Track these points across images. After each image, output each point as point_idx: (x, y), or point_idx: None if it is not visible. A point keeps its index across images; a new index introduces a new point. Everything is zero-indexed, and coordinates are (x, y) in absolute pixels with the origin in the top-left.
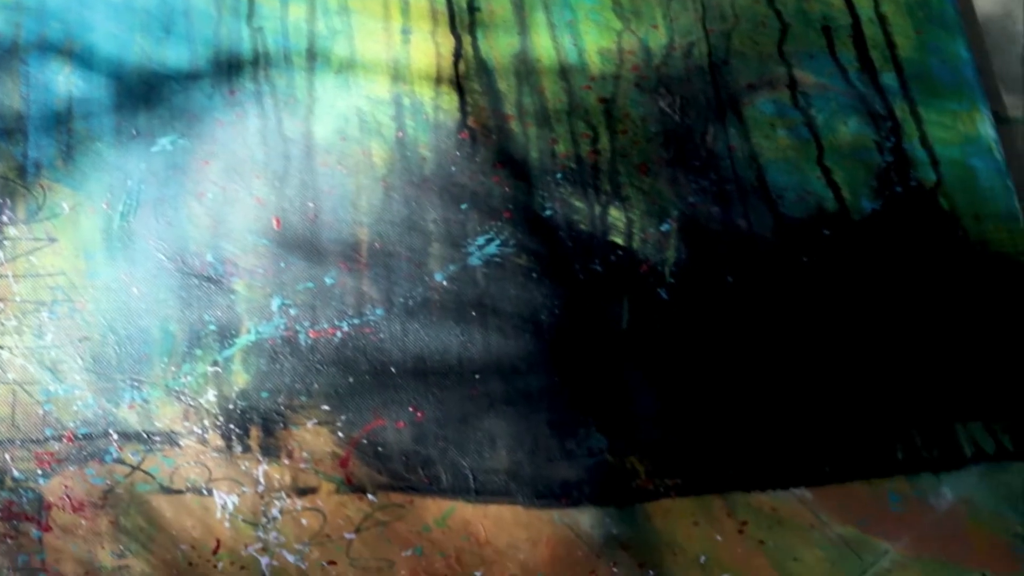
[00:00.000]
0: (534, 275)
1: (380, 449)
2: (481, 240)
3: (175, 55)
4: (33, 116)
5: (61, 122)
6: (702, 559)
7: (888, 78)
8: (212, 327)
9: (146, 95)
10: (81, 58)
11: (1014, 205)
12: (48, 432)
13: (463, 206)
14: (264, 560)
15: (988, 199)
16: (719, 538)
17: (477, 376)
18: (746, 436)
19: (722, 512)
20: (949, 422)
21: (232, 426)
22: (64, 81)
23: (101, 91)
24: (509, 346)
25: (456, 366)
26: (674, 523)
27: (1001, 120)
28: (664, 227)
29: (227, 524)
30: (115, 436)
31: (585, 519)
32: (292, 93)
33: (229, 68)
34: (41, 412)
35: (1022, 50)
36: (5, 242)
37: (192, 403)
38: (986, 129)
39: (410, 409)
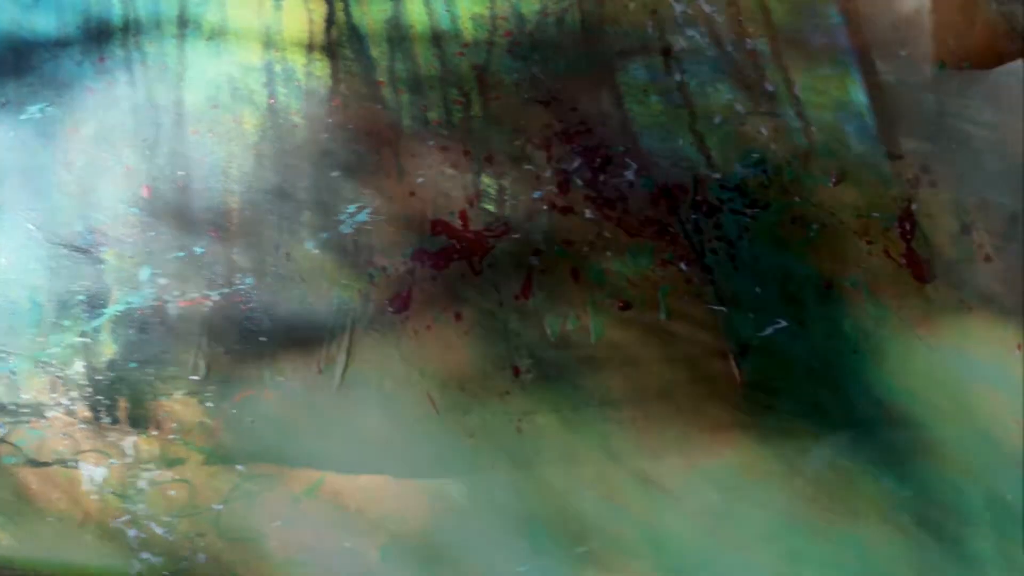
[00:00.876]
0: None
1: (250, 419)
2: (352, 208)
3: (44, 22)
4: None
5: None
6: None
7: (761, 43)
8: (80, 297)
9: (15, 63)
10: None
11: (885, 170)
12: None
13: (335, 174)
14: (132, 532)
15: (859, 164)
16: None
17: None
18: None
19: None
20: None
21: (100, 397)
22: None
23: None
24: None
25: (327, 335)
26: None
27: (874, 85)
28: (536, 194)
29: (94, 496)
30: None
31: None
32: (163, 60)
33: (99, 35)
34: None
35: (895, 15)
36: None
37: (60, 374)
38: (858, 94)
39: (280, 379)
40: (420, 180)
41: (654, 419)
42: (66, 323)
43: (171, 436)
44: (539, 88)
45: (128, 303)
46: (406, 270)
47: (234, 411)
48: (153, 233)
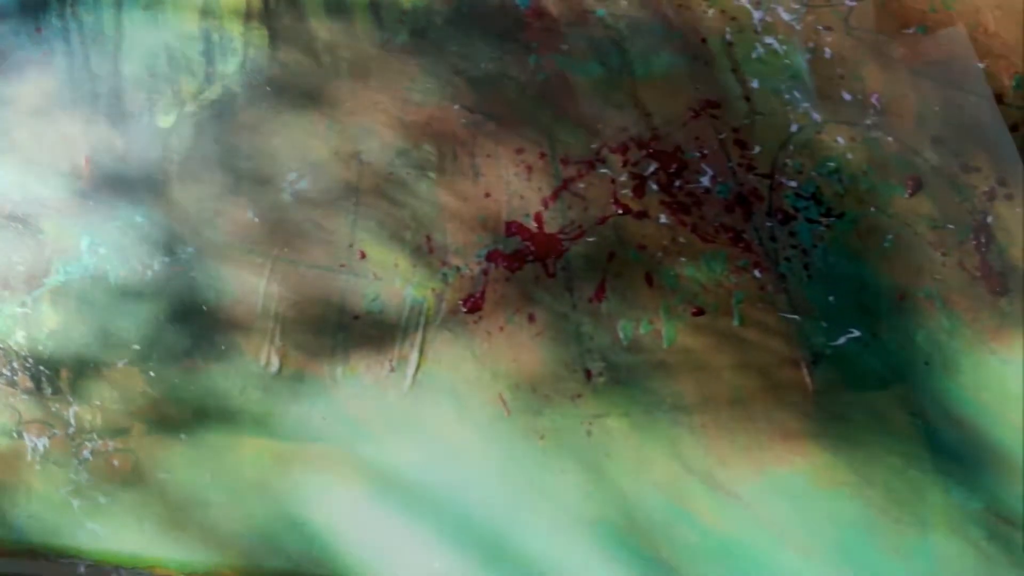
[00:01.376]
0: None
1: (191, 388)
2: (293, 175)
3: None
4: None
5: None
6: None
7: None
8: (20, 268)
9: None
10: None
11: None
12: None
13: (275, 143)
14: (76, 502)
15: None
16: None
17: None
18: None
19: None
20: None
21: (42, 368)
22: None
23: None
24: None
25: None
26: None
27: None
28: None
29: (38, 467)
30: None
31: None
32: (100, 30)
33: (36, 5)
34: None
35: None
36: None
37: (1, 345)
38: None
39: (222, 348)
40: (494, 181)
41: (725, 425)
42: (6, 294)
43: (114, 406)
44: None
45: (68, 273)
46: (480, 270)
47: (176, 380)
48: (92, 203)
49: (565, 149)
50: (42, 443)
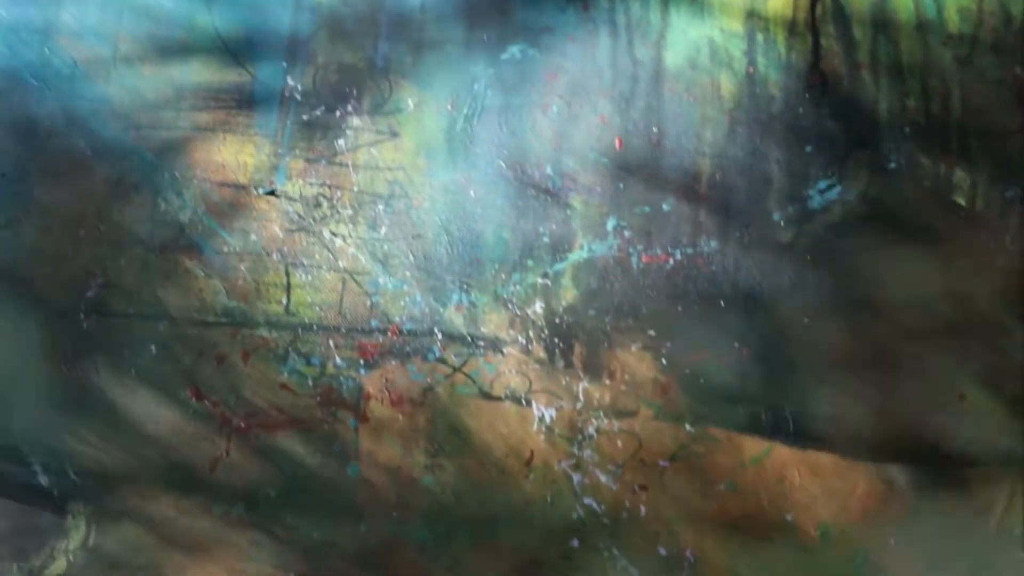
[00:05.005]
0: (872, 226)
1: (702, 381)
2: (823, 184)
3: None
4: (388, 9)
5: (414, 20)
6: (1017, 531)
7: None
8: (545, 239)
9: (500, 2)
10: None
11: None
12: (374, 324)
13: (808, 148)
14: (576, 477)
15: None
16: None
17: (806, 321)
18: None
19: None
20: None
21: (557, 340)
22: None
23: None
24: (841, 295)
25: (786, 308)
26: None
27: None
28: (1009, 193)
29: (542, 437)
30: (439, 336)
31: (902, 476)
32: (646, 16)
33: None
34: (368, 304)
35: None
36: (348, 131)
37: (519, 312)
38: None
39: (736, 345)
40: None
41: None
42: (529, 263)
43: (623, 387)
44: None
45: (592, 251)
46: None
47: (687, 371)
48: (622, 185)
49: None
50: (549, 414)
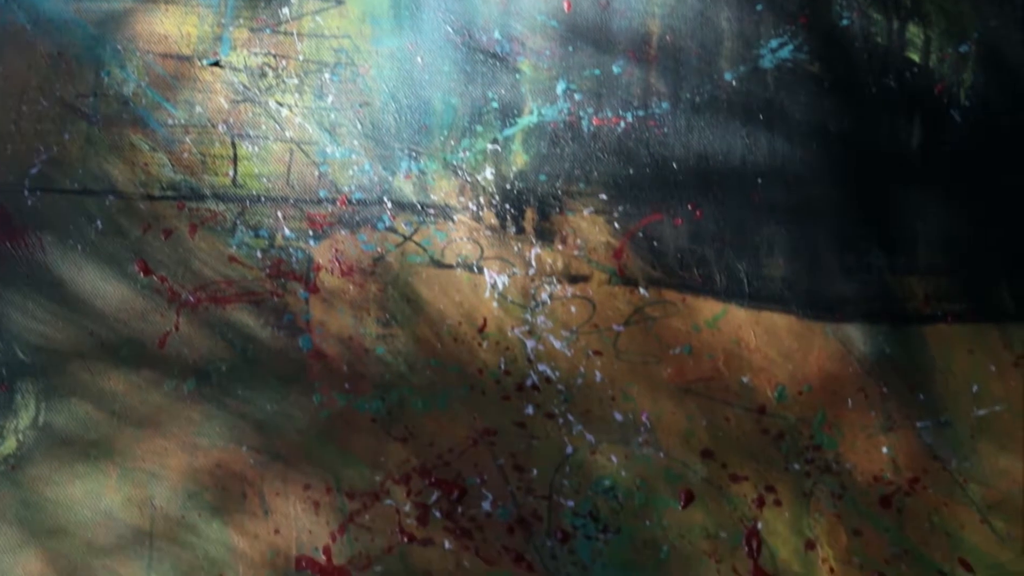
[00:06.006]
0: (825, 84)
1: (655, 244)
2: (774, 43)
3: None
4: None
5: None
6: (974, 388)
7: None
8: (495, 104)
9: None
10: None
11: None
12: (322, 194)
13: (758, 7)
14: (530, 343)
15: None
16: (993, 368)
17: (759, 181)
18: None
19: (999, 343)
20: None
21: (508, 206)
22: None
23: None
24: (794, 154)
25: (739, 168)
26: (948, 350)
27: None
28: (963, 48)
29: (495, 304)
30: (389, 204)
31: (858, 336)
32: None
33: None
34: (317, 173)
35: None
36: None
37: (469, 179)
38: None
39: (689, 207)
40: (283, 518)
41: None
42: (479, 129)
43: (576, 252)
44: None
45: (542, 115)
46: None
47: (640, 234)
48: (571, 48)
49: (350, 483)
50: (501, 281)
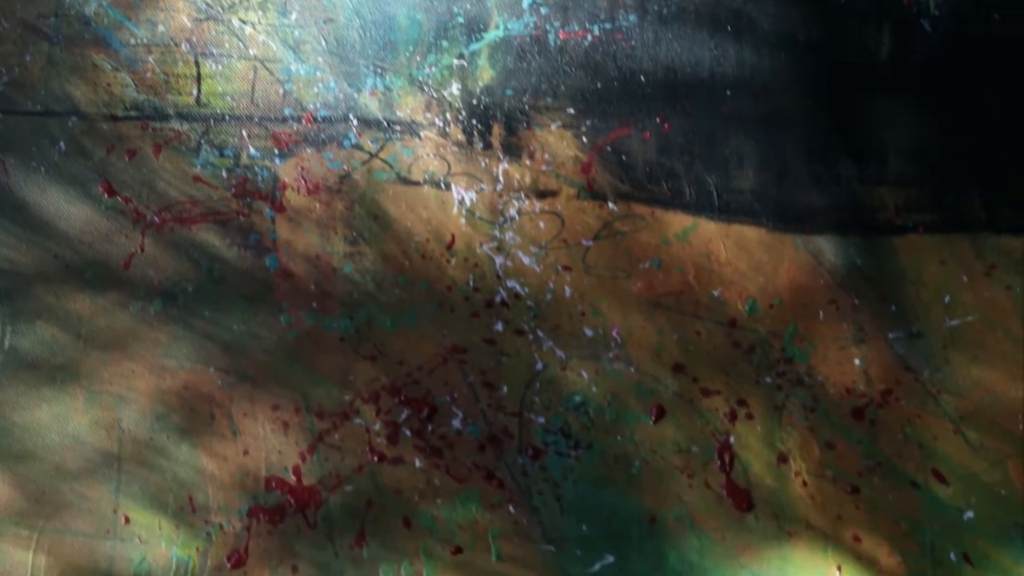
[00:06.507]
0: None
1: (624, 158)
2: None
3: None
4: None
5: None
6: (946, 299)
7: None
8: (460, 19)
9: None
10: None
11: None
12: (287, 112)
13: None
14: (498, 259)
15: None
16: (965, 279)
17: (728, 92)
18: (1002, 178)
19: (970, 253)
20: None
21: (474, 121)
22: None
23: None
24: (763, 64)
25: (707, 80)
26: (919, 260)
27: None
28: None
29: (463, 220)
30: (355, 121)
31: (829, 247)
32: None
33: None
34: (281, 91)
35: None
36: None
37: (435, 95)
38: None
39: (657, 120)
40: (252, 439)
41: None
42: (444, 44)
43: (543, 167)
44: None
45: (508, 29)
46: (243, 527)
47: (609, 148)
48: None
49: (319, 403)
50: (469, 197)
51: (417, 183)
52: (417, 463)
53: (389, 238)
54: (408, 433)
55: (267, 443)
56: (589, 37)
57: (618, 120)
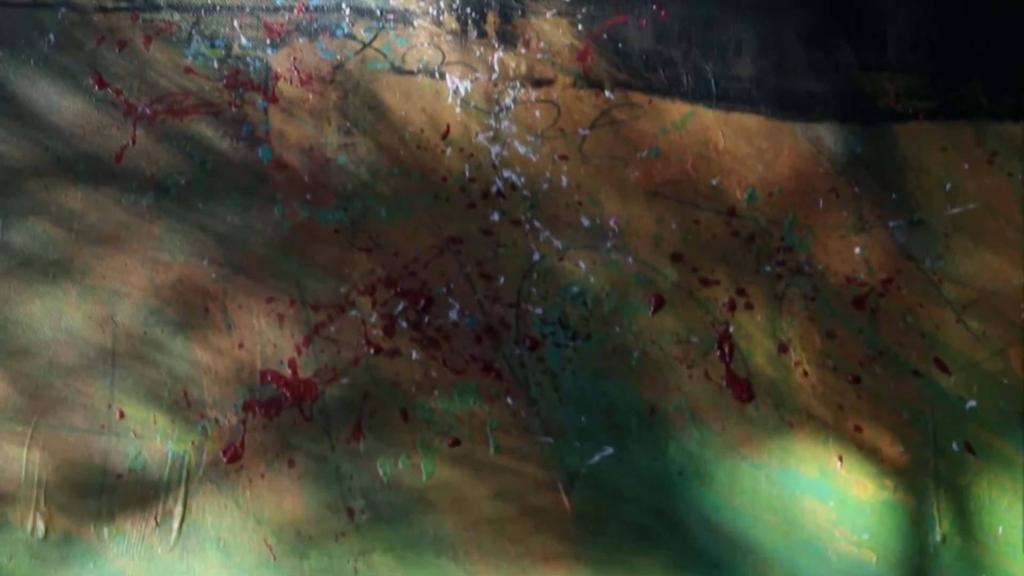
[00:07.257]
0: None
1: (620, 45)
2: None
3: None
4: None
5: None
6: (947, 186)
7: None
8: None
9: None
10: None
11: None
12: (279, 2)
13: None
14: (494, 149)
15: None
16: (966, 166)
17: None
18: (1003, 64)
19: (971, 140)
20: None
21: (469, 9)
22: None
23: None
24: None
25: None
26: (920, 147)
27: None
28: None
29: (458, 109)
30: (347, 10)
31: (829, 135)
32: None
33: None
34: None
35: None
36: None
37: None
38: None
39: (653, 7)
40: (247, 332)
41: (488, 553)
42: None
43: (539, 56)
44: None
45: None
46: (238, 420)
47: (605, 36)
48: None
49: (314, 295)
50: (464, 86)
51: (411, 72)
52: (414, 355)
53: (383, 128)
54: (404, 325)
55: (262, 336)
56: None
57: (614, 7)
